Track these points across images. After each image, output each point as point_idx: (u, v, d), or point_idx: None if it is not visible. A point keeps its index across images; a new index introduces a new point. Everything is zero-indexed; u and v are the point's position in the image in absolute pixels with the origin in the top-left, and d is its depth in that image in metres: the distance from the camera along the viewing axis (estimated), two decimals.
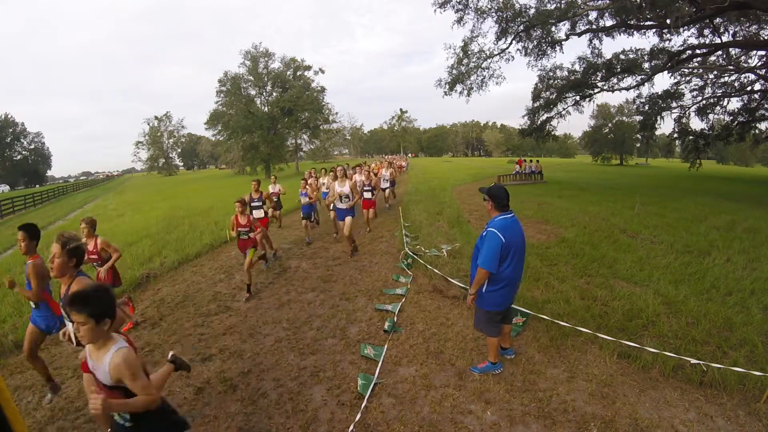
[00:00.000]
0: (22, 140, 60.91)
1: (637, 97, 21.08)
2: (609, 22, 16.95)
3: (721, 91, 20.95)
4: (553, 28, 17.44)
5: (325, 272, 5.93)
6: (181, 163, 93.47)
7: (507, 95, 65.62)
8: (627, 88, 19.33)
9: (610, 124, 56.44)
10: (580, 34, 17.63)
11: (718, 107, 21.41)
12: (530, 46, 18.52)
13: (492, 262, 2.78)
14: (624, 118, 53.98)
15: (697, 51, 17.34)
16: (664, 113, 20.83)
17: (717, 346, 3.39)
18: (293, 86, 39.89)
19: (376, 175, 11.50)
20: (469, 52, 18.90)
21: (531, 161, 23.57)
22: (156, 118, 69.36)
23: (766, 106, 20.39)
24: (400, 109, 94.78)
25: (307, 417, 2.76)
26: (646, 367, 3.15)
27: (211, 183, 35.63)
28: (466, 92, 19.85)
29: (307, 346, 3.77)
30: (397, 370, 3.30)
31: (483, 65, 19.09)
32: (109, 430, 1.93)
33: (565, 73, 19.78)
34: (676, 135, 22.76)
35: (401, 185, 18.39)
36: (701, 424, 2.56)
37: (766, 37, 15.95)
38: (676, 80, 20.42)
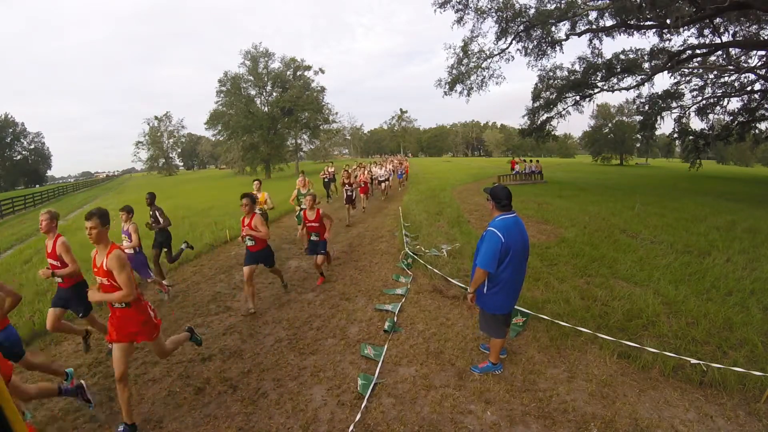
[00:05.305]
0: (22, 140, 60.93)
1: (637, 97, 21.11)
2: (609, 22, 16.96)
3: (721, 91, 20.92)
4: (553, 28, 17.47)
5: (325, 272, 5.93)
6: (181, 163, 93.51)
7: (507, 95, 65.94)
8: (627, 88, 19.35)
9: (610, 124, 56.43)
10: (580, 34, 17.63)
11: (718, 107, 21.38)
12: (530, 46, 18.55)
13: (491, 262, 2.76)
14: (624, 118, 53.97)
15: (697, 51, 17.32)
16: (664, 113, 20.81)
17: (717, 346, 3.39)
18: (293, 86, 39.85)
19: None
20: (469, 52, 18.94)
21: (531, 161, 23.56)
22: (156, 118, 69.47)
23: (766, 106, 20.36)
24: (400, 109, 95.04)
25: (307, 417, 2.76)
26: (646, 367, 3.15)
27: (211, 183, 35.62)
28: (466, 92, 19.91)
29: (307, 346, 3.78)
30: (397, 370, 3.29)
31: (483, 65, 19.14)
32: None
33: (565, 73, 19.80)
34: (676, 135, 22.72)
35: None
36: (701, 424, 2.56)
37: (766, 37, 15.94)
38: (676, 80, 20.45)
